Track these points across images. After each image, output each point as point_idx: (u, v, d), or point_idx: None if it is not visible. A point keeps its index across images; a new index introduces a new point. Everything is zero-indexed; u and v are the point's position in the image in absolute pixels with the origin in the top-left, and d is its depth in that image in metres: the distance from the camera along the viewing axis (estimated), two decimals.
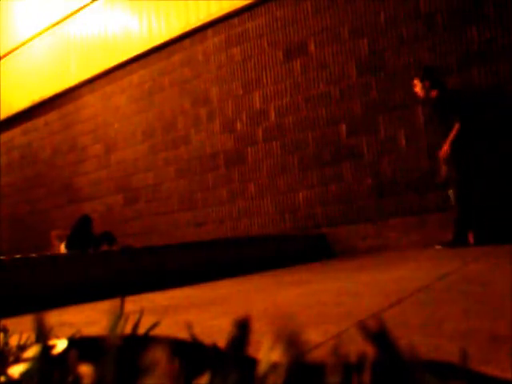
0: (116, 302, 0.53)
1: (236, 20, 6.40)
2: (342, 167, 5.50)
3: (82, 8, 8.32)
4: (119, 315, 0.44)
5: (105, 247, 6.27)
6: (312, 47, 5.80)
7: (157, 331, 0.81)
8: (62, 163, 8.59)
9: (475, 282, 1.79)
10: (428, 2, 5.03)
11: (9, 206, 9.57)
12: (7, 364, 0.62)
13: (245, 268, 3.75)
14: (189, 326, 1.27)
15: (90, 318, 1.82)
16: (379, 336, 0.40)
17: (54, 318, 1.85)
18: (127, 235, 7.24)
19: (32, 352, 0.47)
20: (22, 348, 0.74)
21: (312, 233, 5.55)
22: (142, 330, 0.71)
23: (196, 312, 1.72)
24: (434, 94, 4.54)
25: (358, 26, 5.46)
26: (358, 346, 0.58)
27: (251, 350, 0.44)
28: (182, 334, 0.73)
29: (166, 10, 7.11)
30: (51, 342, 0.61)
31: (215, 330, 1.26)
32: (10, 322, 1.37)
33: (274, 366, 0.39)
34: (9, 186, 9.66)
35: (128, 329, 0.60)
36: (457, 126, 4.32)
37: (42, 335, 0.42)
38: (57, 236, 6.55)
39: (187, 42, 6.90)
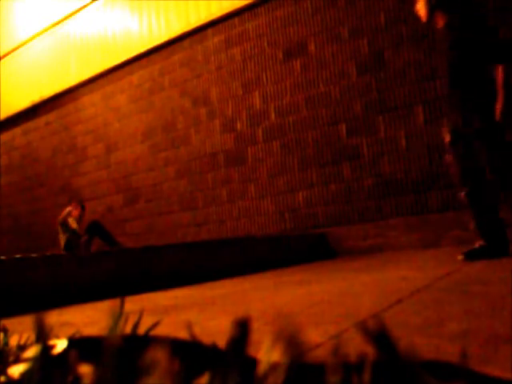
0: (116, 302, 0.53)
1: (236, 20, 6.40)
2: (342, 167, 5.50)
3: (81, 8, 8.32)
4: (119, 315, 0.44)
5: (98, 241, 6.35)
6: (312, 47, 5.80)
7: (157, 331, 0.81)
8: (62, 163, 8.58)
9: (475, 282, 1.79)
10: None
11: (9, 206, 9.57)
12: (7, 364, 0.62)
13: (245, 268, 3.75)
14: (189, 326, 1.27)
15: (90, 318, 1.82)
16: (379, 336, 0.40)
17: (53, 317, 1.85)
18: (127, 235, 7.24)
19: (32, 352, 0.47)
20: (22, 348, 0.74)
21: (312, 233, 5.54)
22: (141, 330, 0.71)
23: (196, 312, 1.72)
24: (440, 20, 2.96)
25: (358, 26, 5.45)
26: (358, 346, 0.58)
27: (251, 350, 0.44)
28: (182, 334, 0.73)
29: (166, 9, 7.11)
30: (51, 342, 0.61)
31: (215, 330, 1.26)
32: (10, 322, 1.37)
33: (273, 366, 0.39)
34: (9, 185, 9.66)
35: (128, 329, 0.60)
36: (502, 67, 2.78)
37: (42, 335, 0.42)
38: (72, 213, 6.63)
39: (187, 41, 6.90)
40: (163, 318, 1.52)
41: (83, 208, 6.82)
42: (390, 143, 5.20)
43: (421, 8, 3.02)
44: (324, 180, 5.62)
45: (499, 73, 2.80)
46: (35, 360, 0.42)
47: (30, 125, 9.29)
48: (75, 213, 6.66)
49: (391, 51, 5.22)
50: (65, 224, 6.55)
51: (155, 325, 0.78)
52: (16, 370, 0.58)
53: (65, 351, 0.59)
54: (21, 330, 0.95)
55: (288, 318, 1.35)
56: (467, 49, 2.85)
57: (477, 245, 2.89)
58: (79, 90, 8.32)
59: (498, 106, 2.79)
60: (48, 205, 8.69)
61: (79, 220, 6.67)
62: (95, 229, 6.45)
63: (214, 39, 6.63)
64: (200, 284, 3.10)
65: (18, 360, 0.65)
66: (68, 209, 6.71)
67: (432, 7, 2.95)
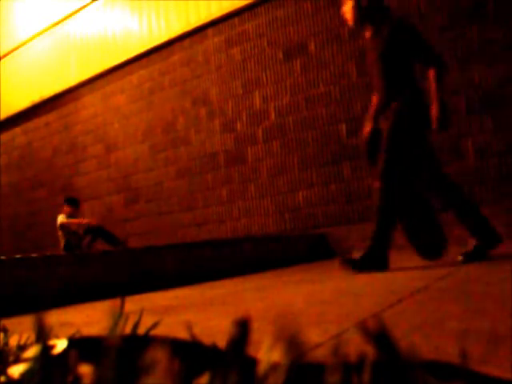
0: (116, 302, 0.53)
1: (236, 20, 6.40)
2: (342, 167, 5.50)
3: (82, 8, 8.32)
4: (119, 315, 0.44)
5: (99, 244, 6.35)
6: (312, 47, 5.79)
7: (157, 331, 0.81)
8: (62, 163, 8.59)
9: (475, 282, 1.79)
10: (428, 1, 5.02)
11: (9, 206, 9.57)
12: (7, 364, 0.62)
13: (245, 268, 3.75)
14: (189, 326, 1.27)
15: (90, 318, 1.82)
16: (379, 336, 0.40)
17: (53, 317, 1.85)
18: (127, 235, 7.23)
19: (32, 352, 0.47)
20: (22, 348, 0.74)
21: (312, 233, 5.54)
22: (141, 330, 0.71)
23: (196, 312, 1.72)
24: (369, 30, 2.92)
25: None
26: (358, 346, 0.58)
27: (251, 350, 0.44)
28: (182, 334, 0.72)
29: (166, 9, 7.10)
30: (51, 342, 0.61)
31: (215, 330, 1.26)
32: (10, 322, 1.37)
33: (273, 366, 0.39)
34: (9, 185, 9.66)
35: (128, 329, 0.60)
36: (435, 72, 2.72)
37: (42, 335, 0.42)
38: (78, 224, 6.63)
39: (187, 41, 6.90)
40: (163, 318, 1.52)
41: (74, 204, 6.76)
42: None
43: (347, 12, 2.94)
44: (324, 180, 5.62)
45: (431, 80, 2.73)
46: (35, 360, 0.42)
47: (30, 125, 9.29)
48: (67, 211, 6.65)
49: None
50: (63, 228, 6.55)
51: (155, 325, 0.78)
52: (16, 370, 0.58)
53: (65, 351, 0.59)
54: (21, 330, 0.95)
55: (288, 318, 1.35)
56: (396, 58, 2.81)
57: (471, 246, 2.85)
58: (79, 89, 8.33)
59: (434, 113, 2.70)
60: (48, 205, 8.69)
61: (74, 217, 6.64)
62: (97, 232, 6.44)
63: (214, 39, 6.63)
64: (200, 284, 3.10)
65: (17, 360, 0.65)
66: (62, 213, 6.68)
67: (361, 17, 2.88)
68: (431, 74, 2.72)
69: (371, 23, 2.88)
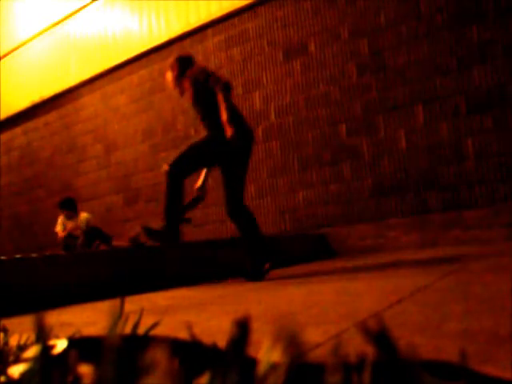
0: (116, 302, 0.53)
1: (236, 20, 6.40)
2: (342, 167, 5.50)
3: (82, 8, 8.32)
4: (119, 315, 0.44)
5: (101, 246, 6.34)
6: (312, 47, 5.79)
7: (157, 331, 0.81)
8: (62, 163, 8.58)
9: (475, 282, 1.79)
10: (428, 1, 5.03)
11: (9, 206, 9.56)
12: (7, 364, 0.62)
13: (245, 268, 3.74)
14: (189, 326, 1.28)
15: (89, 318, 1.82)
16: (379, 336, 0.40)
17: (53, 317, 1.85)
18: (127, 235, 7.23)
19: (32, 352, 0.47)
20: (22, 348, 0.74)
21: (312, 233, 5.54)
22: (141, 330, 0.71)
23: (196, 312, 1.72)
24: (186, 82, 3.48)
25: (358, 26, 5.45)
26: (358, 346, 0.59)
27: (251, 350, 0.44)
28: (182, 334, 0.72)
29: (166, 10, 7.10)
30: (51, 342, 0.61)
31: (215, 330, 1.26)
32: (10, 322, 1.37)
33: (273, 366, 0.39)
34: (9, 185, 9.65)
35: (128, 329, 0.60)
36: (221, 97, 3.13)
37: (42, 335, 0.42)
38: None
39: (187, 41, 6.90)
40: (163, 318, 1.52)
41: (69, 207, 6.67)
42: (390, 143, 5.20)
43: (170, 82, 3.70)
44: (324, 180, 5.62)
45: (220, 102, 3.10)
46: (35, 360, 0.42)
47: (30, 125, 9.28)
48: (64, 214, 6.63)
49: (391, 51, 5.22)
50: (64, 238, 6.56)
51: (155, 325, 0.78)
52: (16, 370, 0.58)
53: (65, 351, 0.59)
54: (21, 330, 0.95)
55: (288, 318, 1.35)
56: (202, 101, 3.33)
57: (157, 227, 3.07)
58: (79, 89, 8.32)
59: (227, 134, 3.05)
60: (48, 205, 8.69)
61: (73, 218, 6.62)
62: (94, 234, 6.41)
63: (214, 39, 6.63)
64: (200, 284, 3.10)
65: (17, 360, 0.65)
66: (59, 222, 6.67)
67: (178, 82, 3.58)
68: (219, 97, 3.11)
69: (185, 77, 3.50)
